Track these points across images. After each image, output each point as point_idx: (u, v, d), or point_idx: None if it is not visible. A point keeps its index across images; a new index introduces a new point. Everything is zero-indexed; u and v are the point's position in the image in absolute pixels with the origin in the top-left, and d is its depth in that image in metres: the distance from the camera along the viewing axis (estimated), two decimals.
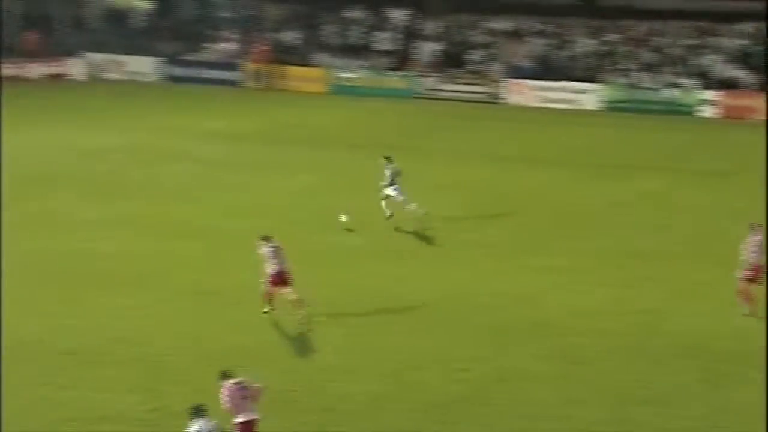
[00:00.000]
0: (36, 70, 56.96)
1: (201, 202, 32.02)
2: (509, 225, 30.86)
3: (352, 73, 54.88)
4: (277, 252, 23.35)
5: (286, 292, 23.17)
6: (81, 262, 26.64)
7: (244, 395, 16.79)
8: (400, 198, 29.98)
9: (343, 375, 20.51)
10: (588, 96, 51.72)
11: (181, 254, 27.35)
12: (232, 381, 16.94)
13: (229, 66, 56.77)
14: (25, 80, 55.89)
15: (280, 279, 23.15)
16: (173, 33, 60.26)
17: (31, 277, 25.55)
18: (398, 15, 57.70)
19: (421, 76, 54.33)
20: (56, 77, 56.96)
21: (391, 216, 29.99)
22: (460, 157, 39.55)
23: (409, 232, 29.61)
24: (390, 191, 30.10)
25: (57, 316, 23.11)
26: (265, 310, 23.40)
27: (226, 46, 58.41)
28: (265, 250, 23.51)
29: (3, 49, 59.02)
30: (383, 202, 30.09)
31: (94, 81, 56.93)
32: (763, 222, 24.90)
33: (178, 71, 57.36)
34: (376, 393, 19.82)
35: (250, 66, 56.15)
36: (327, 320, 23.19)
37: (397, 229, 29.79)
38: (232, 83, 55.86)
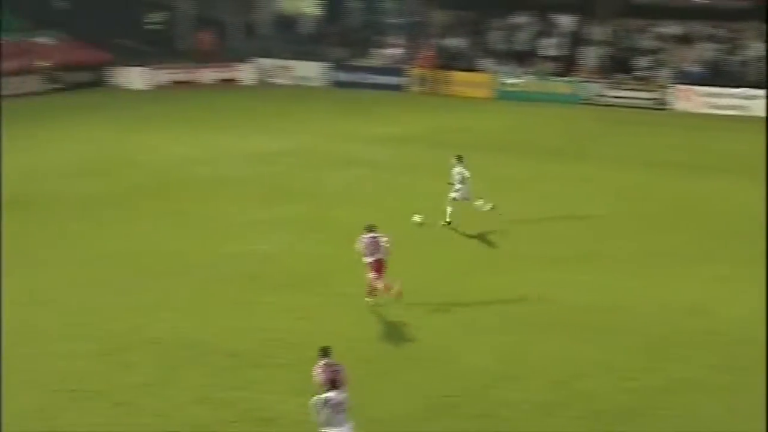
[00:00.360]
0: (208, 75, 58.10)
1: (366, 205, 32.18)
2: (675, 232, 30.33)
3: (517, 79, 54.64)
4: (374, 242, 23.96)
5: (374, 277, 23.75)
6: (247, 264, 27.11)
7: (333, 376, 17.19)
8: (467, 198, 30.03)
9: (505, 382, 20.42)
10: (758, 102, 50.47)
11: (345, 257, 27.58)
12: (323, 361, 17.51)
13: (394, 71, 57.08)
14: (198, 85, 57.10)
15: (378, 267, 23.81)
16: (340, 39, 60.86)
17: (200, 279, 26.09)
18: (565, 20, 57.25)
19: (587, 81, 53.79)
20: (227, 82, 57.93)
21: (448, 223, 29.85)
22: (625, 163, 39.01)
23: (567, 239, 29.38)
24: (454, 194, 30.11)
25: (223, 318, 23.55)
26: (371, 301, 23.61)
27: (392, 52, 58.74)
28: (363, 239, 24.10)
29: (176, 54, 60.70)
30: (448, 208, 30.01)
31: (263, 86, 57.65)
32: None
33: (345, 76, 57.89)
34: (540, 401, 19.68)
35: (416, 71, 56.36)
36: (488, 326, 23.14)
37: (554, 235, 29.62)
38: (397, 88, 56.13)
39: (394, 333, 22.80)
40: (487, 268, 27.00)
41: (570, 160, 39.45)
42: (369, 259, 24.10)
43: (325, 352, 17.72)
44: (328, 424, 16.61)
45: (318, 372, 17.43)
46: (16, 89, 53.28)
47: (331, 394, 16.79)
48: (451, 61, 56.64)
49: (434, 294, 24.97)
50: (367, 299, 24.09)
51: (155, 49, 60.02)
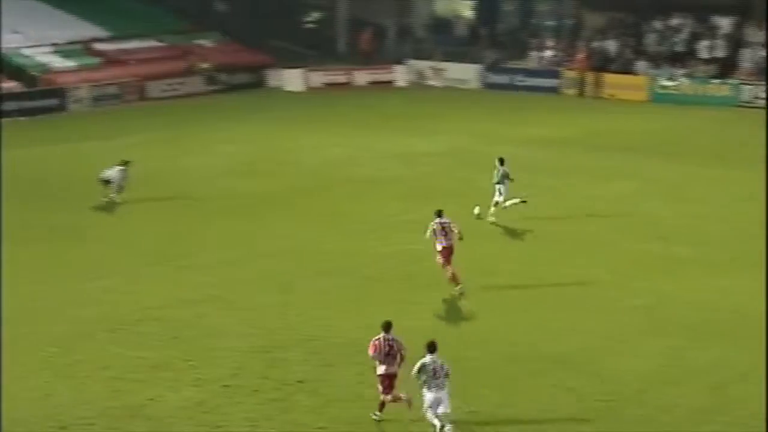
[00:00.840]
0: (363, 77, 58.66)
1: (518, 205, 32.08)
2: None
3: (673, 81, 54.10)
4: (445, 228, 24.83)
5: (441, 263, 24.76)
6: (401, 263, 27.64)
7: (390, 351, 18.62)
8: (503, 197, 30.61)
9: (662, 386, 20.42)
10: None
11: (499, 256, 27.84)
12: (383, 335, 18.85)
13: (548, 74, 56.97)
14: (353, 86, 57.80)
15: (448, 254, 24.64)
16: (494, 41, 60.99)
17: (356, 278, 26.72)
18: (723, 22, 56.43)
19: (745, 84, 52.98)
20: (381, 84, 58.41)
21: (483, 218, 30.27)
22: None
23: (720, 243, 29.08)
24: (497, 197, 30.64)
25: (378, 317, 23.74)
26: (457, 290, 24.34)
27: (546, 54, 58.66)
28: (433, 225, 24.97)
29: (332, 56, 61.44)
30: (493, 208, 30.43)
31: (417, 88, 57.95)
32: None
33: (498, 78, 57.93)
34: (697, 406, 19.69)
35: (570, 74, 56.22)
36: (642, 329, 23.17)
37: (707, 239, 29.37)
38: (551, 91, 56.00)
39: (543, 334, 22.98)
40: (642, 271, 26.97)
41: (724, 163, 39.01)
42: (439, 246, 24.76)
43: (387, 326, 19.05)
44: (427, 387, 18.25)
45: (373, 344, 18.86)
46: (178, 91, 54.74)
47: (427, 360, 18.26)
48: (605, 63, 56.34)
49: (588, 298, 25.13)
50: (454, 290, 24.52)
51: (312, 51, 60.80)
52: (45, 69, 52.95)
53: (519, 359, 21.54)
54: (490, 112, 50.27)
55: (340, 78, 58.41)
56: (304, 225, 31.36)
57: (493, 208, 30.82)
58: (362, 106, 52.35)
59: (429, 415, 18.35)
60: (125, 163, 33.63)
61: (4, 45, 52.93)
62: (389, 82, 58.88)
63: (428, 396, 18.36)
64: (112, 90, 53.14)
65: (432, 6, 66.13)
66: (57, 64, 53.61)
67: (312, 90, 57.29)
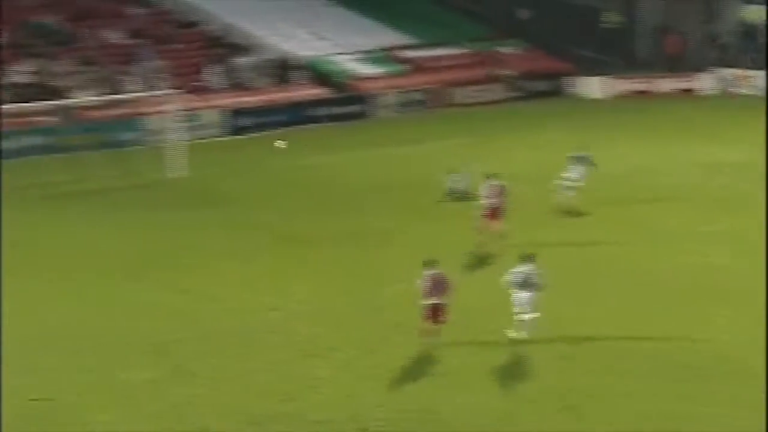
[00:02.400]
0: (665, 84, 57.64)
1: None
2: None
3: None
4: (499, 189, 28.21)
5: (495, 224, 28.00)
6: (700, 276, 27.19)
7: (436, 284, 21.69)
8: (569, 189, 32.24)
9: None
10: None
11: None
12: (430, 272, 21.91)
13: None
14: (655, 94, 57.00)
15: (494, 214, 28.31)
16: None
17: (656, 289, 26.39)
18: None
19: None
20: (685, 92, 57.26)
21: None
22: None
23: None
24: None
25: (676, 329, 23.59)
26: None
27: None
28: (488, 185, 28.00)
29: (633, 63, 60.66)
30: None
31: (723, 96, 56.40)
32: None
33: None
34: None
35: None
36: None
37: None
38: None
39: None
40: None
41: None
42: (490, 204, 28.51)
43: (430, 263, 22.06)
44: (516, 292, 22.09)
45: (423, 281, 21.85)
46: (480, 98, 55.13)
47: (518, 269, 22.36)
48: None
49: None
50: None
51: (612, 59, 60.25)
52: (352, 75, 53.99)
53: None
54: None
55: (641, 86, 57.68)
56: (602, 233, 31.25)
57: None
58: (663, 113, 51.49)
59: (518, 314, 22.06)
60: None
61: (312, 52, 54.47)
62: (691, 90, 57.69)
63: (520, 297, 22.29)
64: (417, 96, 53.79)
65: (739, 12, 64.20)
66: (363, 71, 54.57)
67: (612, 98, 56.78)
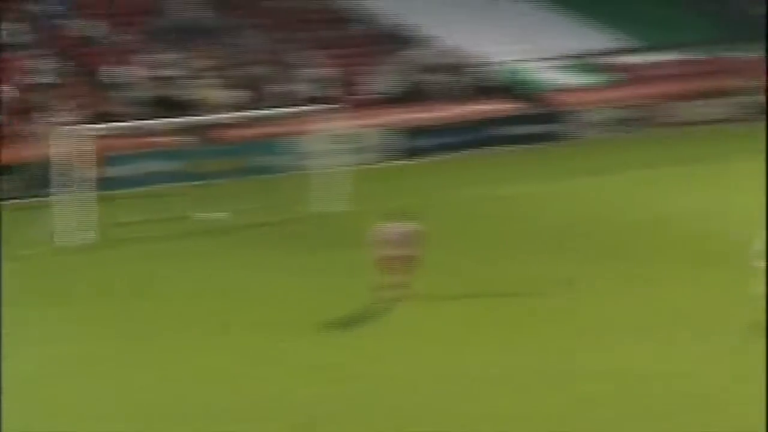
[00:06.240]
0: None
1: None
2: None
3: None
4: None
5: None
6: None
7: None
8: None
9: None
10: None
11: None
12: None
13: None
14: None
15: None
16: None
17: None
18: None
19: None
20: None
21: None
22: None
23: None
24: None
25: None
26: None
27: None
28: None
29: None
30: None
31: None
32: None
33: None
34: None
35: None
36: None
37: None
38: None
39: None
40: None
41: None
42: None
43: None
44: None
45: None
46: (707, 115, 49.74)
47: None
48: None
49: None
50: None
51: None
52: (546, 87, 49.85)
53: None
54: None
55: None
56: None
57: None
58: None
59: None
60: None
61: (502, 58, 50.13)
62: None
63: None
64: (629, 113, 49.01)
65: None
66: (564, 81, 50.49)
67: None
